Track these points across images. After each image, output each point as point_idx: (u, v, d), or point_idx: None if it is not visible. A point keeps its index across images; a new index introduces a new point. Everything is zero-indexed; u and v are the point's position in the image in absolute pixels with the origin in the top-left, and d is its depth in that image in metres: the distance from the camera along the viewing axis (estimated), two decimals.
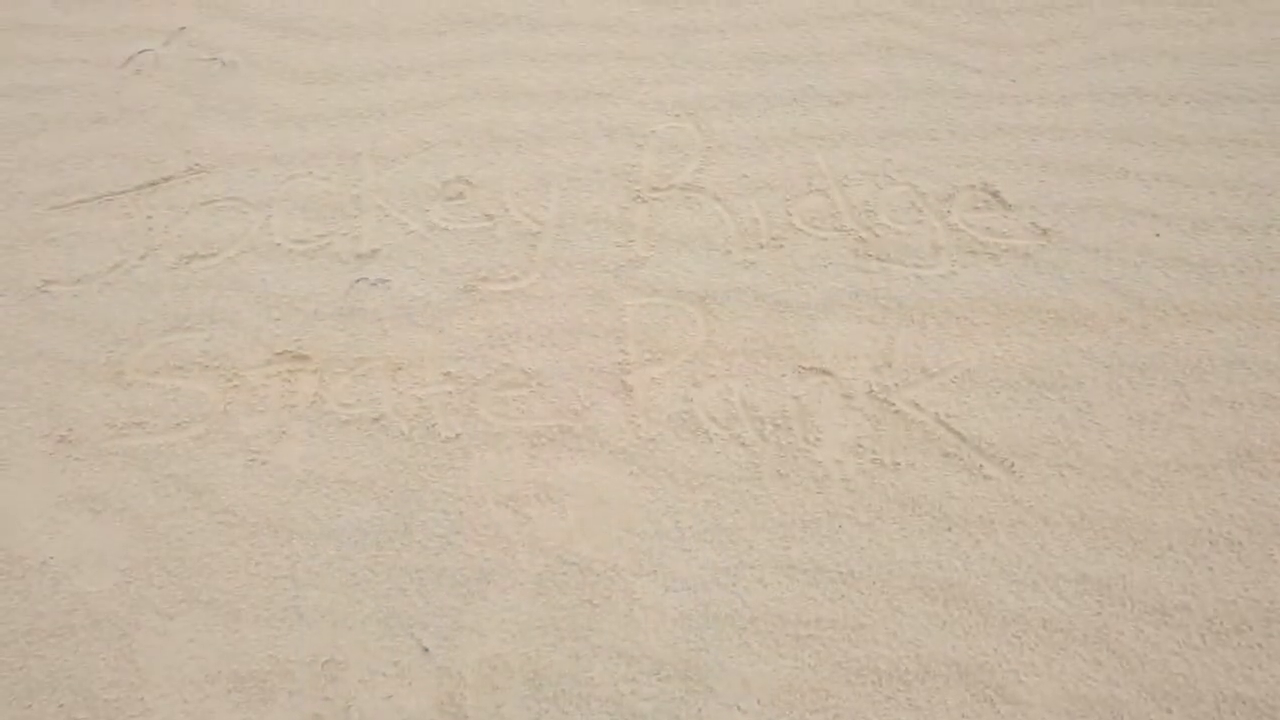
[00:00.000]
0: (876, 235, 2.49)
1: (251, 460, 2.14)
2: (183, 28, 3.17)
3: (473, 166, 2.67)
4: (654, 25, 3.07)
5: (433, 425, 2.16)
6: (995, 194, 2.59)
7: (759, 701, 1.81)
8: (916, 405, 2.17)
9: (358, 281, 2.43)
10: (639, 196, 2.58)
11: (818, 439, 2.11)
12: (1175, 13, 3.14)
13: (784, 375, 2.22)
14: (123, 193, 2.70)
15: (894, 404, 2.17)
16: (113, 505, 2.10)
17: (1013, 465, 2.07)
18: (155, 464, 2.15)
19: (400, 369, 2.26)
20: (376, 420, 2.18)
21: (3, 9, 3.25)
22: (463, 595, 1.94)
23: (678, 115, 2.78)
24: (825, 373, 2.22)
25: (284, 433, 2.17)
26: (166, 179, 2.73)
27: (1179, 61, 2.97)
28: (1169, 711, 1.79)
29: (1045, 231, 2.51)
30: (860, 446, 2.10)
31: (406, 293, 2.40)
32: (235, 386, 2.26)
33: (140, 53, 3.10)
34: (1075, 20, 3.11)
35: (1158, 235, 2.51)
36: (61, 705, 1.86)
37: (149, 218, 2.63)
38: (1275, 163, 2.68)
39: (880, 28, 3.06)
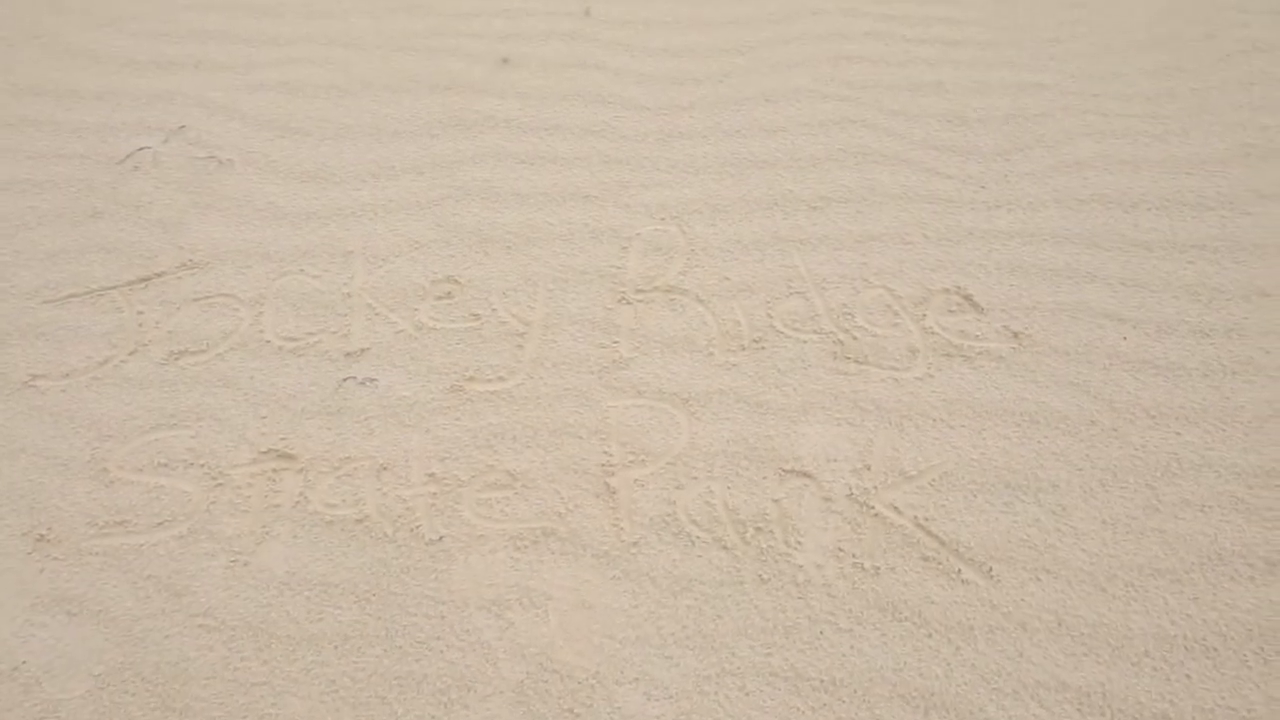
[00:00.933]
0: (854, 338, 2.56)
1: (233, 561, 2.13)
2: (183, 126, 3.26)
3: (462, 266, 2.74)
4: (639, 130, 3.19)
5: (416, 527, 2.17)
6: (968, 297, 2.68)
7: None
8: (895, 508, 2.20)
9: (345, 380, 2.46)
10: (624, 298, 2.65)
11: (799, 543, 2.13)
12: (1135, 124, 3.30)
13: (765, 477, 2.25)
14: (115, 288, 2.74)
15: (873, 507, 2.20)
16: (89, 607, 2.08)
17: (990, 570, 2.10)
18: (135, 565, 2.14)
19: (385, 469, 2.28)
20: (360, 521, 2.18)
21: (9, 105, 3.34)
22: (443, 704, 1.92)
23: (662, 218, 2.88)
24: (806, 475, 2.26)
25: (267, 533, 2.17)
26: (159, 274, 2.78)
27: (1139, 170, 3.12)
28: None
29: (1017, 335, 2.59)
30: (841, 550, 2.12)
31: (394, 392, 2.43)
32: (220, 485, 2.26)
33: (139, 150, 3.18)
34: (1040, 129, 3.27)
35: (1125, 338, 2.60)
36: None
37: (140, 313, 2.67)
38: (1233, 269, 2.79)
39: (856, 135, 3.19)
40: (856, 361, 2.51)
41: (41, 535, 2.19)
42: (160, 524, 2.21)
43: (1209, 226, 2.92)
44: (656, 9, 3.73)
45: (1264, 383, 2.48)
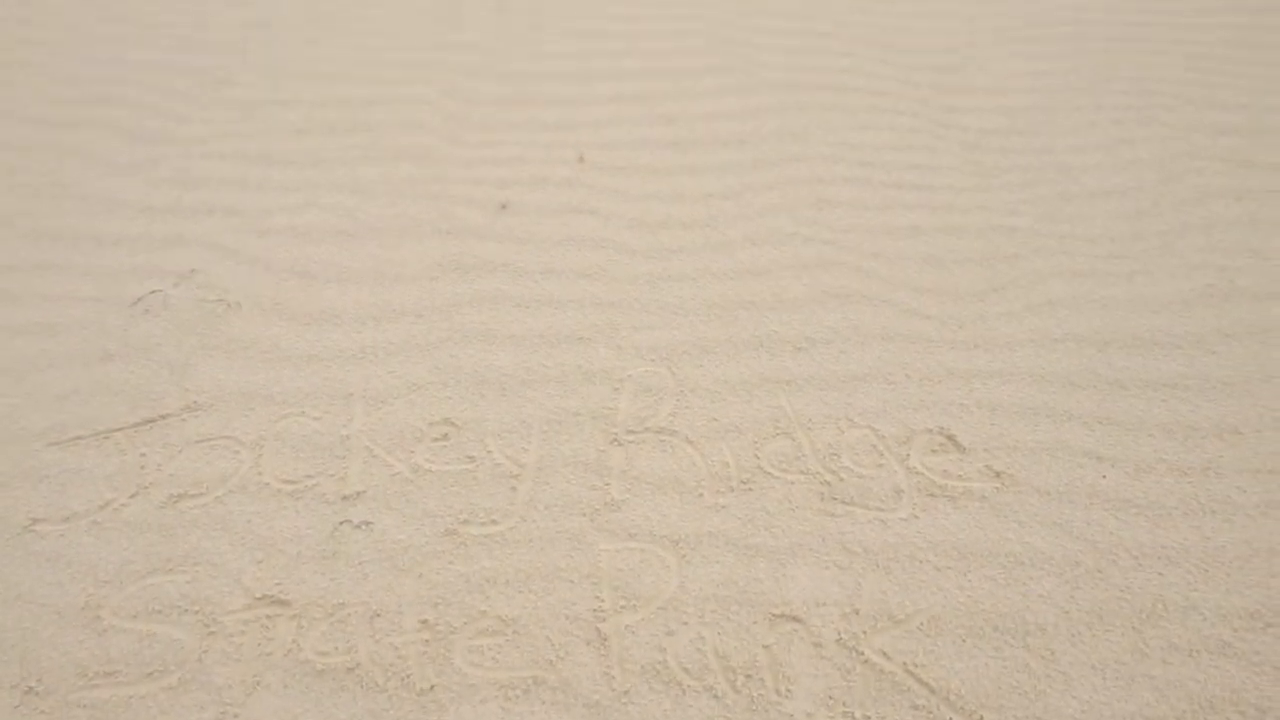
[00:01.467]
0: (840, 479, 2.62)
1: (223, 713, 2.12)
2: (194, 270, 3.41)
3: (459, 408, 2.83)
4: (631, 273, 3.34)
5: (408, 676, 2.17)
6: (951, 437, 2.76)
7: None
8: (885, 654, 2.21)
9: (341, 524, 2.50)
10: (616, 439, 2.72)
11: (789, 690, 2.14)
12: (1102, 265, 3.47)
13: (755, 622, 2.27)
14: (120, 430, 2.81)
15: (863, 653, 2.21)
16: None
17: (981, 718, 2.10)
18: (123, 717, 2.12)
19: (378, 615, 2.29)
20: (352, 670, 2.19)
21: (30, 251, 3.49)
22: None
23: (652, 360, 2.99)
24: (795, 619, 2.28)
25: (258, 683, 2.17)
26: (163, 416, 2.85)
27: (1109, 309, 3.26)
28: None
29: (999, 474, 2.66)
30: (831, 699, 2.13)
31: (389, 536, 2.47)
32: (212, 633, 2.27)
33: (151, 293, 3.31)
34: (1014, 271, 3.43)
35: (1104, 477, 2.66)
36: None
37: (142, 455, 2.73)
38: (1205, 407, 2.88)
39: (839, 276, 3.34)
40: (843, 503, 2.56)
41: (30, 687, 2.19)
42: (150, 674, 2.21)
43: (1179, 365, 3.03)
44: (646, 155, 3.96)
45: (1243, 522, 2.54)
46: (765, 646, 2.22)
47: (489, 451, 2.69)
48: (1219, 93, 4.41)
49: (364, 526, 2.49)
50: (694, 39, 4.75)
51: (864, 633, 2.26)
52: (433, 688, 2.15)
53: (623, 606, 2.30)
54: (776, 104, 4.26)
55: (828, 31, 4.82)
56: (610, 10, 4.97)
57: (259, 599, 2.34)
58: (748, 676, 2.17)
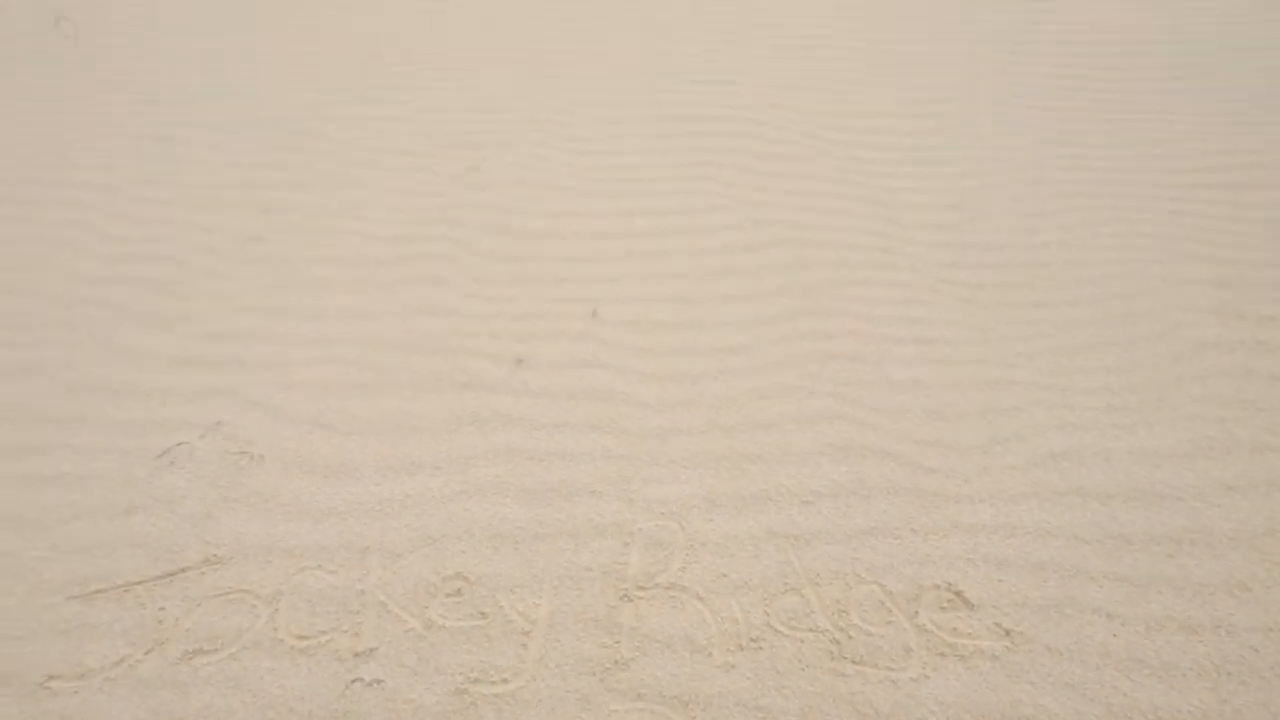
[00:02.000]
0: (850, 636, 2.63)
1: None
2: (219, 422, 3.54)
3: (472, 562, 2.88)
4: (642, 427, 3.45)
5: None
6: (959, 593, 2.78)
7: None
8: None
9: (353, 682, 2.52)
10: (626, 595, 2.76)
11: None
12: (1102, 417, 3.56)
13: None
14: (140, 583, 2.87)
15: None
16: None
17: None
18: None
19: None
20: None
21: (64, 402, 3.64)
22: None
23: (662, 514, 3.05)
24: None
25: None
26: (183, 570, 2.91)
27: (1111, 462, 3.32)
28: None
29: (1009, 633, 2.66)
30: None
31: (400, 694, 2.48)
32: None
33: (177, 445, 3.43)
34: (1015, 424, 3.52)
35: (1115, 635, 2.66)
36: None
37: (161, 609, 2.77)
38: (1212, 563, 2.90)
39: (844, 430, 3.44)
40: (853, 662, 2.56)
41: None
42: None
43: (1183, 519, 3.07)
44: (657, 311, 4.14)
45: (1258, 684, 2.52)
46: None
47: (501, 607, 2.73)
48: (1204, 247, 4.61)
49: (375, 685, 2.51)
50: (705, 198, 5.04)
51: None
52: None
53: None
54: (782, 260, 4.48)
55: (830, 190, 5.11)
56: (622, 172, 5.30)
57: None
58: None
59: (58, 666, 2.61)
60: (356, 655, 2.60)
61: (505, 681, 2.51)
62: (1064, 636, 2.65)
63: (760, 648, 2.60)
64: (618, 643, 2.61)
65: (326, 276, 4.42)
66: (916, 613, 2.71)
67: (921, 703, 2.45)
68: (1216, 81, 6.32)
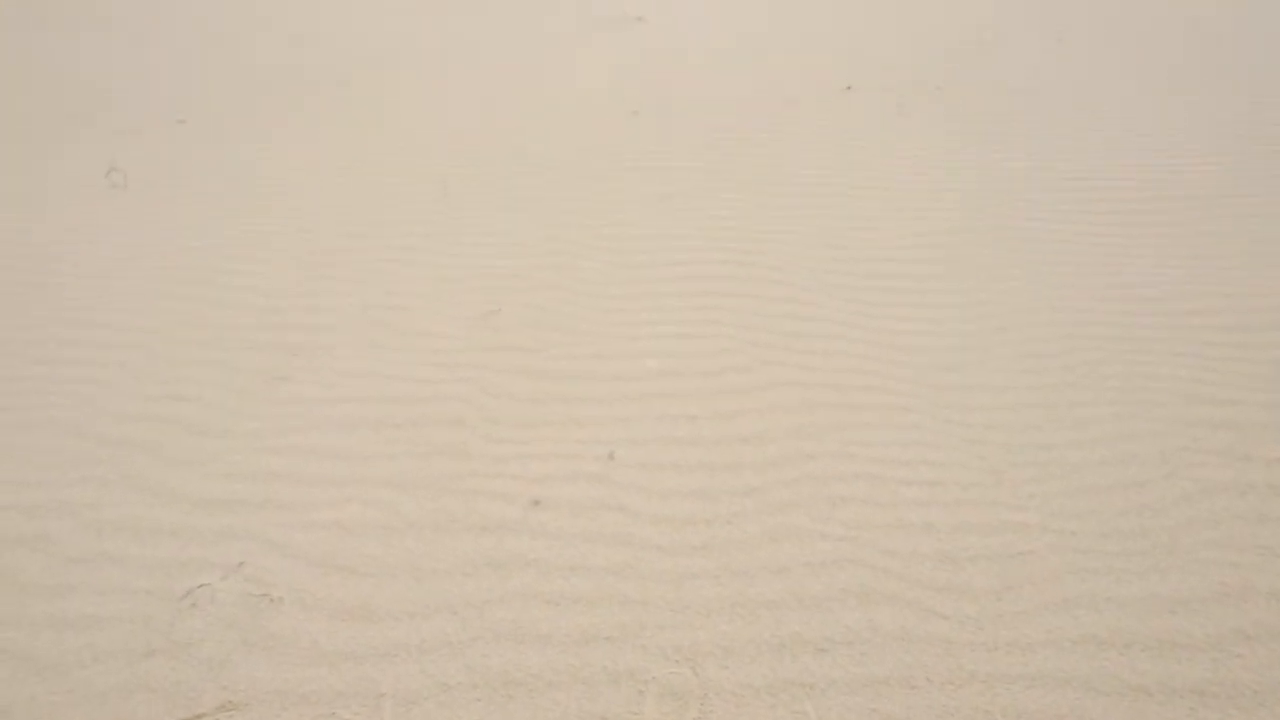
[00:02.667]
0: None
1: None
2: (242, 563, 3.60)
3: (487, 711, 2.87)
4: (656, 570, 3.49)
5: None
6: None
7: None
8: None
9: None
10: None
11: None
12: (1115, 561, 3.57)
13: None
14: None
15: None
16: None
17: None
18: None
19: None
20: None
21: (91, 542, 3.72)
22: None
23: (677, 661, 3.06)
24: None
25: None
26: (199, 716, 2.91)
27: (1125, 609, 3.32)
28: None
29: None
30: None
31: None
32: None
33: (199, 586, 3.49)
34: (1027, 568, 3.53)
35: None
36: None
37: None
38: (1236, 715, 2.86)
39: (855, 575, 3.47)
40: None
41: None
42: None
43: (1202, 669, 3.04)
44: (671, 453, 4.24)
45: None
46: None
47: None
48: (1210, 388, 4.71)
49: None
50: (712, 340, 5.21)
51: None
52: None
53: None
54: (790, 402, 4.61)
55: (835, 333, 5.28)
56: (633, 315, 5.51)
57: None
58: None
59: None
60: None
61: None
62: None
63: None
64: None
65: (348, 418, 4.56)
66: None
67: None
68: (1215, 226, 6.57)
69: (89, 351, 5.25)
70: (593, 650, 3.10)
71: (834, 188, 7.45)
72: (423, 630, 3.23)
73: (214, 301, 5.79)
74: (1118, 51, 11.42)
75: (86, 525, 3.86)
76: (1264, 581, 3.43)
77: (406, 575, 3.51)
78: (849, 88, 10.33)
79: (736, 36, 13.49)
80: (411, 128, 9.26)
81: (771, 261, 6.15)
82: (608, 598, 3.34)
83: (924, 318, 5.44)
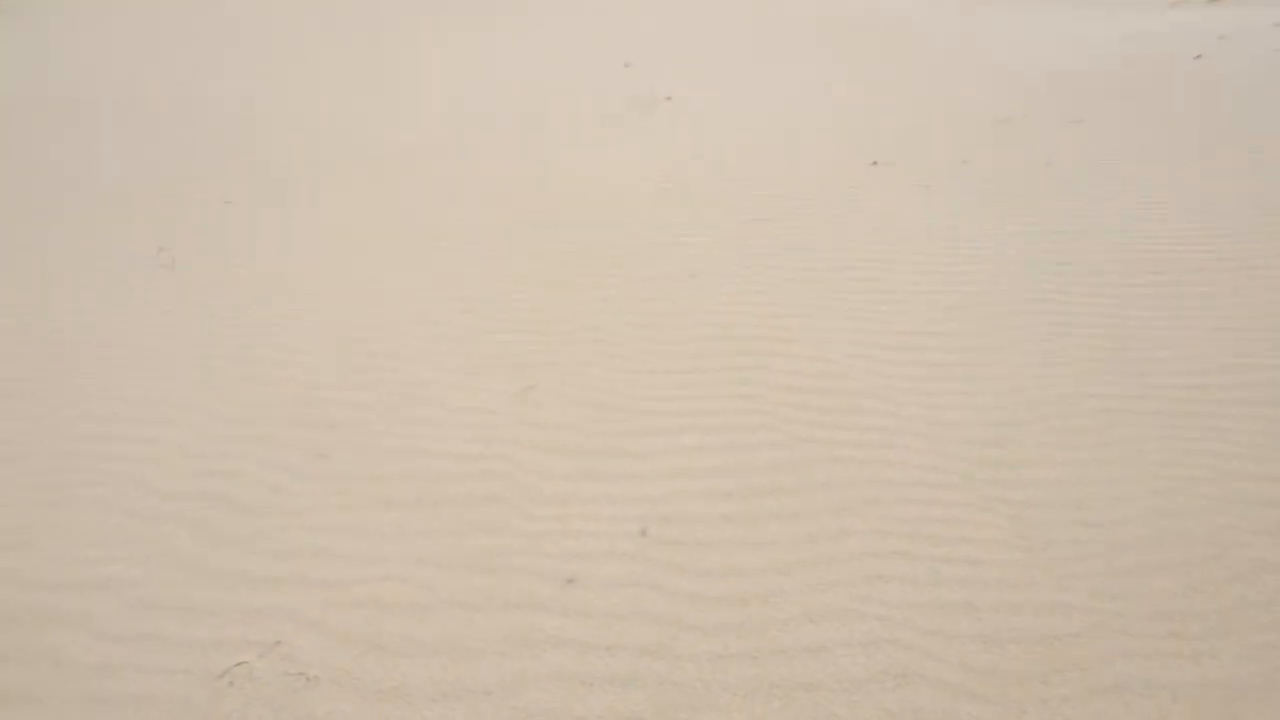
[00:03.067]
0: None
1: None
2: (278, 642, 3.62)
3: None
4: (692, 651, 3.45)
5: None
6: None
7: None
8: None
9: None
10: None
11: None
12: (1163, 645, 3.47)
13: None
14: None
15: None
16: None
17: None
18: None
19: None
20: None
21: (133, 621, 3.77)
22: None
23: None
24: None
25: None
26: None
27: (1178, 697, 3.21)
28: None
29: None
30: None
31: None
32: None
33: (236, 665, 3.51)
34: (1073, 651, 3.44)
35: None
36: None
37: None
38: None
39: (895, 656, 3.40)
40: None
41: None
42: None
43: None
44: (706, 530, 4.23)
45: None
46: None
47: None
48: (1252, 464, 4.62)
49: None
50: (748, 416, 5.23)
51: None
52: None
53: None
54: (826, 479, 4.59)
55: (870, 407, 5.28)
56: (667, 390, 5.56)
57: None
58: None
59: None
60: None
61: None
62: None
63: None
64: None
65: (387, 495, 4.62)
66: None
67: None
68: (1253, 298, 6.52)
69: (135, 428, 5.39)
70: None
71: (864, 262, 7.53)
72: (456, 712, 3.21)
73: (257, 379, 5.93)
74: (1144, 130, 11.52)
75: (129, 603, 3.92)
76: None
77: (442, 655, 3.50)
78: (875, 163, 10.51)
79: (765, 113, 13.82)
80: (446, 208, 9.55)
81: (804, 337, 6.20)
82: (643, 678, 3.31)
83: (959, 392, 5.42)
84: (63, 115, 14.37)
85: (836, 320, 6.44)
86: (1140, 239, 7.75)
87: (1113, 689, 3.24)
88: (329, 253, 8.35)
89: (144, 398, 5.74)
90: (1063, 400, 5.28)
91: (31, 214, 9.74)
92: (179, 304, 7.22)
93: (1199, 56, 15.78)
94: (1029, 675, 3.31)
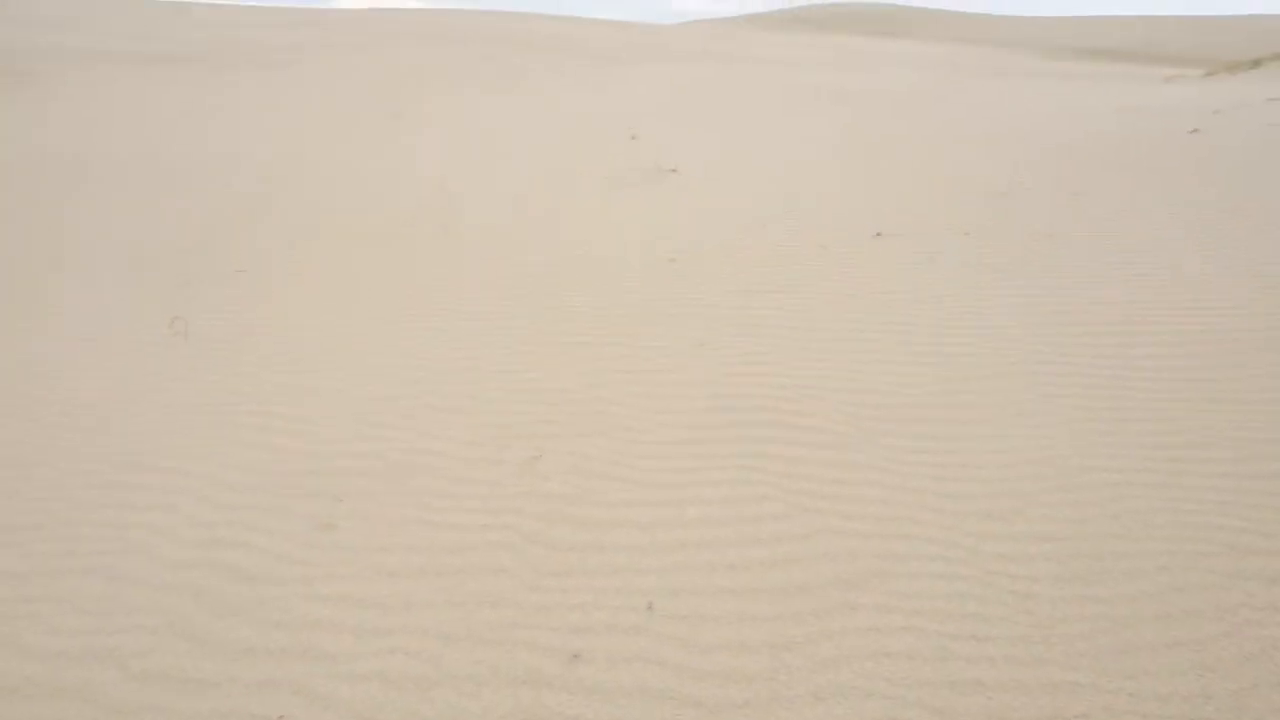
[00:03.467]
0: None
1: None
2: (282, 716, 3.60)
3: None
4: None
5: None
6: None
7: None
8: None
9: None
10: None
11: None
12: None
13: None
14: None
15: None
16: None
17: None
18: None
19: None
20: None
21: (136, 693, 3.75)
22: None
23: None
24: None
25: None
26: None
27: None
28: None
29: None
30: None
31: None
32: None
33: None
34: None
35: None
36: None
37: None
38: None
39: None
40: None
41: None
42: None
43: None
44: (711, 604, 4.21)
45: None
46: None
47: None
48: (1261, 540, 4.60)
49: None
50: (752, 487, 5.25)
51: None
52: None
53: None
54: (831, 551, 4.59)
55: (873, 479, 5.29)
56: (672, 461, 5.59)
57: None
58: None
59: None
60: None
61: None
62: None
63: None
64: None
65: (392, 566, 4.62)
66: None
67: None
68: (1258, 370, 6.57)
69: (143, 496, 5.42)
70: None
71: (867, 333, 7.61)
72: None
73: (265, 447, 5.98)
74: (1143, 202, 11.73)
75: (131, 675, 3.91)
76: None
77: None
78: (879, 234, 10.69)
79: (768, 183, 14.10)
80: (452, 273, 9.71)
81: (808, 408, 6.24)
82: None
83: (964, 463, 5.44)
84: (83, 180, 14.73)
85: (840, 391, 6.50)
86: (1140, 310, 7.84)
87: None
88: (338, 320, 8.48)
89: (155, 465, 5.79)
90: (1067, 472, 5.29)
91: (48, 275, 9.93)
92: (191, 371, 7.31)
93: (1195, 130, 16.14)
94: None
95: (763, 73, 35.25)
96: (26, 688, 3.86)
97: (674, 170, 15.21)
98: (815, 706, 3.54)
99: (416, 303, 8.92)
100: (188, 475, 5.66)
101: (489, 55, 37.70)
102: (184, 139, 19.31)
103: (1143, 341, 7.17)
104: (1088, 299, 8.17)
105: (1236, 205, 11.04)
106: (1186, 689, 3.63)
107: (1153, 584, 4.30)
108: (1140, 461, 5.38)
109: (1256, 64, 32.40)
